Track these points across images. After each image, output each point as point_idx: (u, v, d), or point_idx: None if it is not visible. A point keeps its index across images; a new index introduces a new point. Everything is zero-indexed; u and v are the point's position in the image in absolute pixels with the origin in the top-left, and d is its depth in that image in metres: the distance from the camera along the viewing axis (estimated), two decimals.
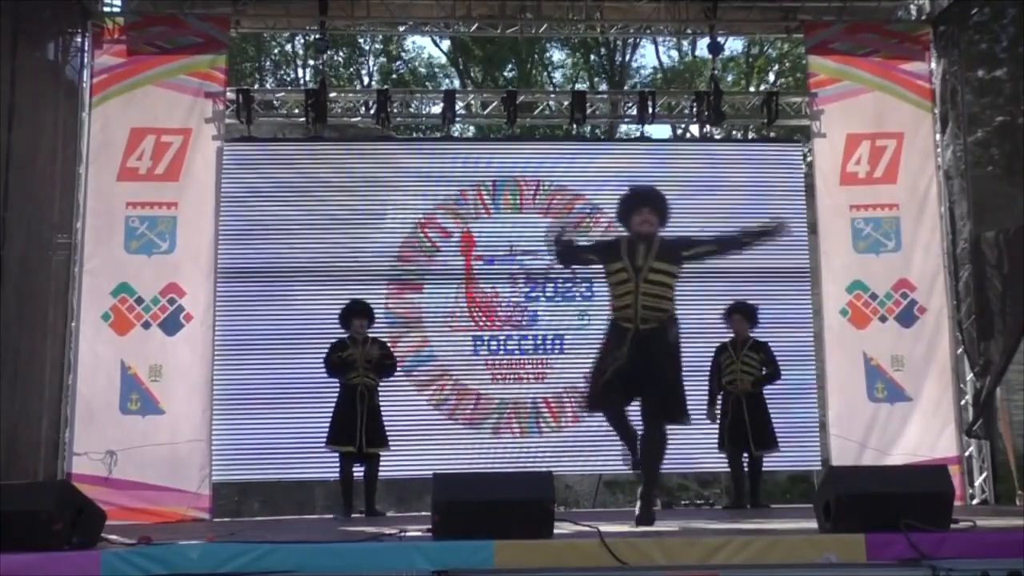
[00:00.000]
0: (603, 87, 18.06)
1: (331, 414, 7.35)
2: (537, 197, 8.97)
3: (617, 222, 5.68)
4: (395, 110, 9.37)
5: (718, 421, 7.61)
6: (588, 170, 9.18)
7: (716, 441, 7.68)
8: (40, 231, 7.78)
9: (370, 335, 7.47)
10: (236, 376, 8.44)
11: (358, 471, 7.38)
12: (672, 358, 5.29)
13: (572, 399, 8.62)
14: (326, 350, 7.44)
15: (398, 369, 7.77)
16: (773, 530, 4.59)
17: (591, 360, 8.64)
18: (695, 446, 8.23)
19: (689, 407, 5.46)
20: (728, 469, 7.86)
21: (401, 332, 8.60)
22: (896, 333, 8.58)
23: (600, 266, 5.62)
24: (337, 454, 7.34)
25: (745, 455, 7.52)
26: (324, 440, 7.35)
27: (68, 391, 7.92)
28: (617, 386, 5.21)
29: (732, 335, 7.72)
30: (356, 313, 7.44)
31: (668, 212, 5.49)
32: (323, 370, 7.44)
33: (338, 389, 7.40)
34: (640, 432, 5.31)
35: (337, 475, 7.43)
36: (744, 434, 7.44)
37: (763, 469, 7.67)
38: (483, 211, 8.93)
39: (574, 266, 6.42)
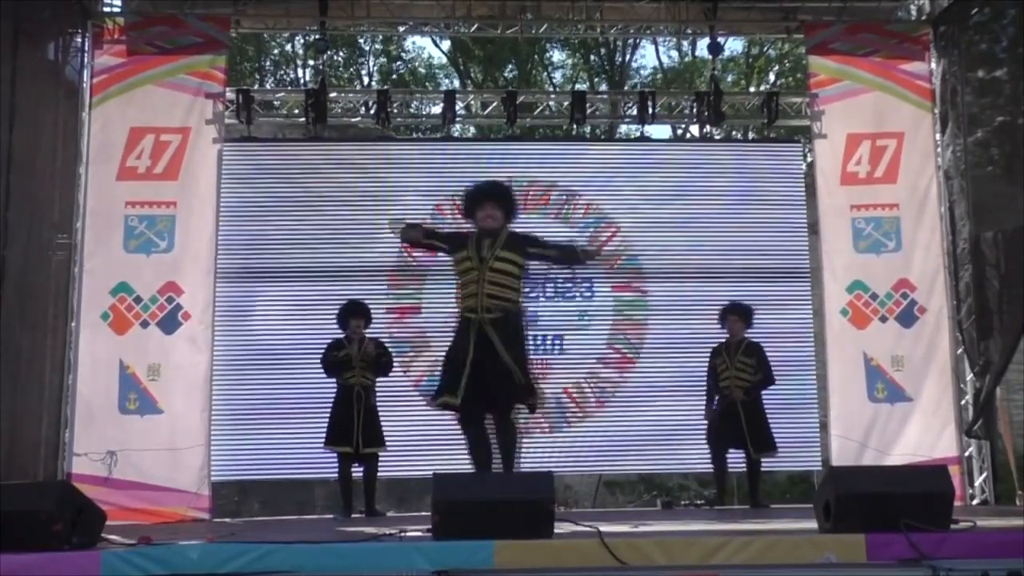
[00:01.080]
0: (603, 87, 18.04)
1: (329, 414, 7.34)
2: (531, 197, 8.95)
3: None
4: (395, 110, 9.38)
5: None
6: (588, 170, 9.18)
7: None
8: (40, 231, 7.77)
9: (367, 335, 7.46)
10: (236, 376, 8.46)
11: (357, 471, 7.36)
12: (515, 345, 5.20)
13: (574, 399, 8.64)
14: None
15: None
16: (773, 530, 4.58)
17: (592, 360, 8.84)
18: (695, 446, 8.23)
19: (537, 390, 5.33)
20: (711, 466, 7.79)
21: (410, 358, 8.59)
22: (896, 333, 8.58)
23: (449, 255, 5.49)
24: (336, 454, 7.34)
25: (744, 456, 7.50)
26: (323, 440, 7.33)
27: (68, 391, 7.91)
28: (468, 385, 5.10)
29: (727, 336, 7.69)
30: (353, 313, 7.41)
31: (515, 206, 5.44)
32: (322, 370, 7.43)
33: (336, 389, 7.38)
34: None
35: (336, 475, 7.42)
36: (733, 432, 7.39)
37: (763, 469, 7.66)
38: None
39: (419, 247, 6.21)
